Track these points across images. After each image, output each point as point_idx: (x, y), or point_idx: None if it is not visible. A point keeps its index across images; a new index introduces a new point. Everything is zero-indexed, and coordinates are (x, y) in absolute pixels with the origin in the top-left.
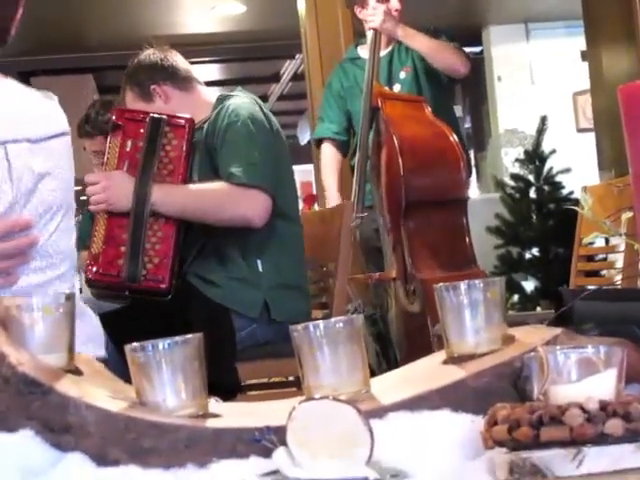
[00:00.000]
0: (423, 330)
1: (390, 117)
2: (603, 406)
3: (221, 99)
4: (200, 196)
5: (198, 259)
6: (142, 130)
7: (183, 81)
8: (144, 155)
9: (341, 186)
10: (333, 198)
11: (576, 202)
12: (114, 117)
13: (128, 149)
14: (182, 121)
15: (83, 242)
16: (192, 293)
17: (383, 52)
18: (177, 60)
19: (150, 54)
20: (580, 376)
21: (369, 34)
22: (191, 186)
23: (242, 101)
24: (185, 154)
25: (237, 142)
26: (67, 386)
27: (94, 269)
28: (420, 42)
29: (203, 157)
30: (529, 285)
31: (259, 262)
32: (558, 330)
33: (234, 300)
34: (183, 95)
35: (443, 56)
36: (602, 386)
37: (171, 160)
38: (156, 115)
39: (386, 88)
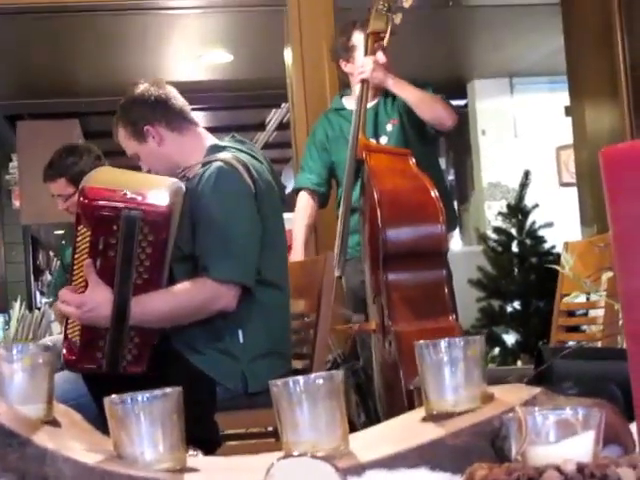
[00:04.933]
0: (399, 383)
1: (373, 170)
2: (580, 468)
3: (211, 150)
4: (179, 302)
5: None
6: (115, 227)
7: (178, 122)
8: (120, 264)
9: (308, 239)
10: (297, 252)
11: (558, 257)
12: (82, 205)
13: (100, 247)
14: (160, 217)
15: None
16: (173, 354)
17: (370, 104)
18: (173, 98)
19: (145, 91)
20: (558, 437)
21: (356, 87)
22: (169, 294)
23: (226, 167)
24: (162, 248)
25: (217, 226)
26: (45, 438)
27: (72, 358)
28: (409, 93)
29: (185, 215)
30: (510, 339)
31: (240, 332)
32: (537, 390)
33: (215, 370)
34: (177, 137)
35: (431, 108)
36: (580, 448)
37: (148, 256)
38: (130, 213)
39: (372, 140)
